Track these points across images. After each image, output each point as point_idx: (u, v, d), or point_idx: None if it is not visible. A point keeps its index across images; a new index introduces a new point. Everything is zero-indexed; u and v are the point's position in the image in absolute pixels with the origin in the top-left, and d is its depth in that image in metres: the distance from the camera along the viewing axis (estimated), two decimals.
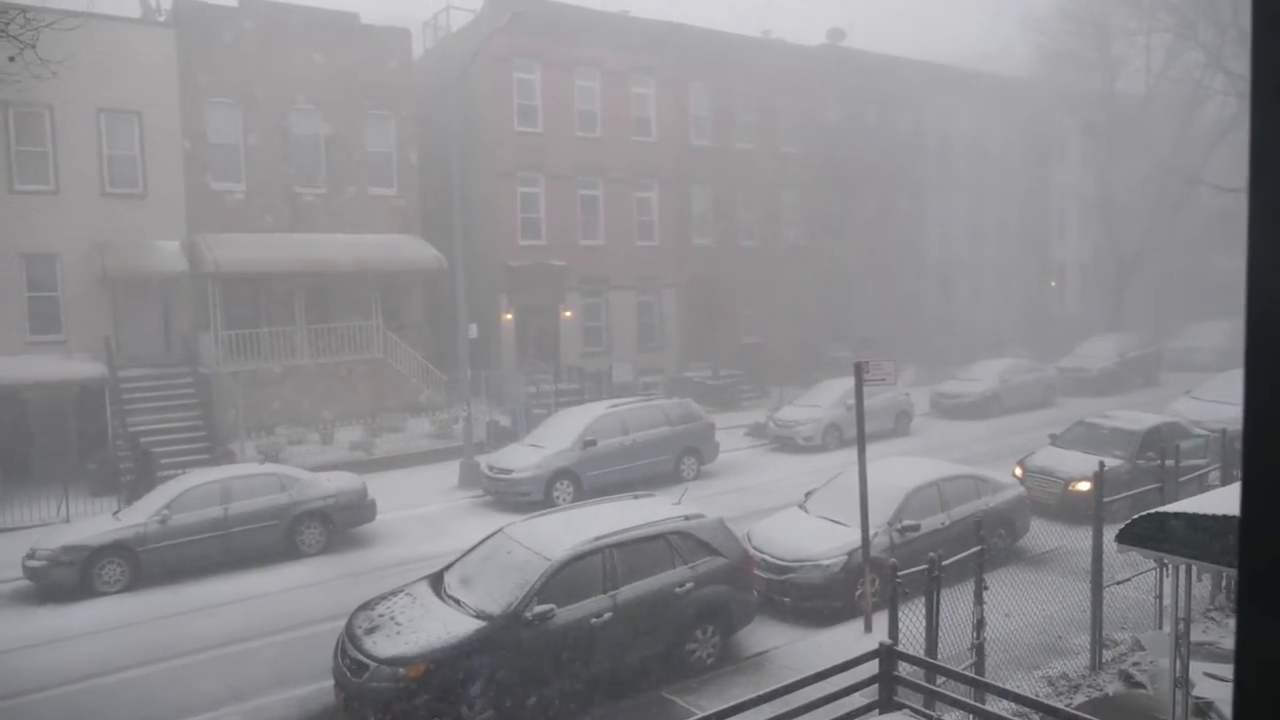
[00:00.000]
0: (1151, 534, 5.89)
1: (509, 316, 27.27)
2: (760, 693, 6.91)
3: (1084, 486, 14.74)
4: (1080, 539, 10.97)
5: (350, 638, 9.10)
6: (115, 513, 14.90)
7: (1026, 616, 10.43)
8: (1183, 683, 6.95)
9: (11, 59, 9.35)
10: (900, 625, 7.91)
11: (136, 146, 22.33)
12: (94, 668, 10.91)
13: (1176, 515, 5.74)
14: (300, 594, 13.40)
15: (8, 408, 19.39)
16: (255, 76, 23.63)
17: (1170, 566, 7.18)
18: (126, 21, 22.60)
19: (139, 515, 14.17)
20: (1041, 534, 13.53)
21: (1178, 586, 6.88)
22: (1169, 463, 11.78)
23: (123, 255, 21.43)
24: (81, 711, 9.91)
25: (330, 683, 9.36)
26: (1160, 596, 9.53)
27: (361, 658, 8.68)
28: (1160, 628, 9.36)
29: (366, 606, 9.79)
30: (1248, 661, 0.98)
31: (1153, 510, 6.08)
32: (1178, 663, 6.92)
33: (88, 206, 21.66)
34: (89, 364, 20.53)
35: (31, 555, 13.50)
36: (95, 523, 14.47)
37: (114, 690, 10.34)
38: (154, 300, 22.86)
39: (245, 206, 23.70)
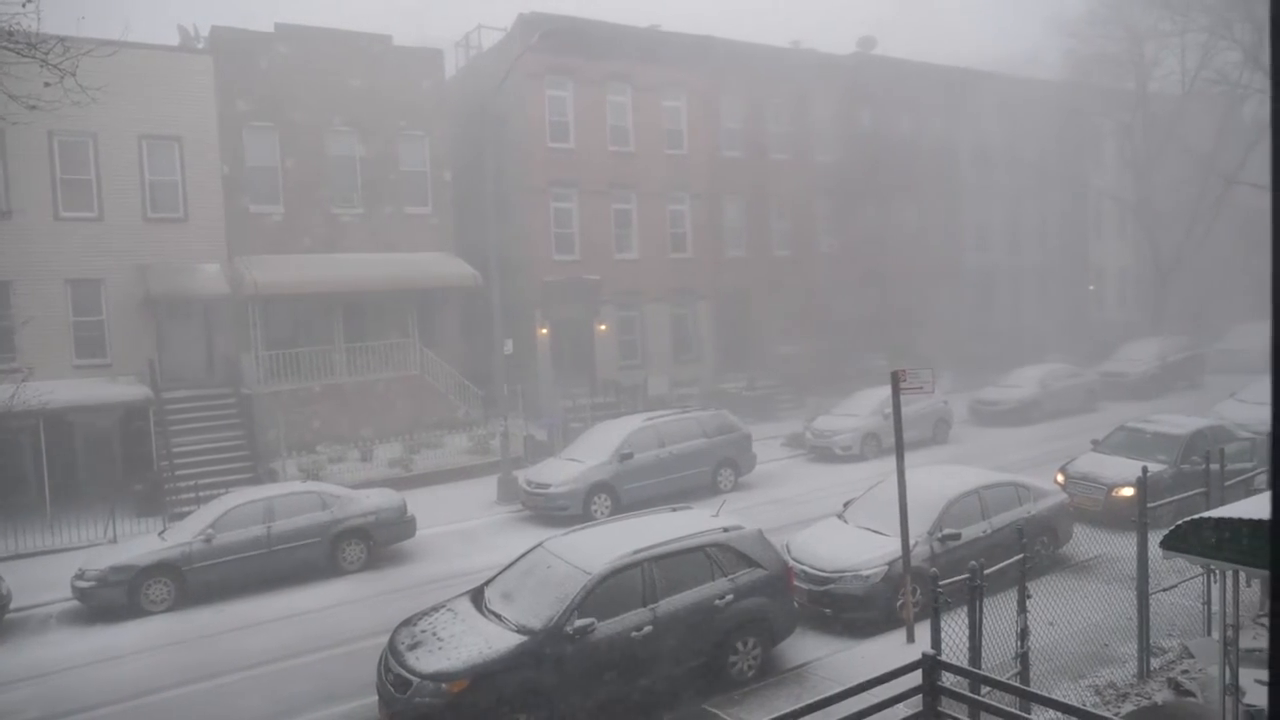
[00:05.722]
0: (1196, 539, 5.81)
1: (544, 331, 27.43)
2: (802, 705, 6.88)
3: (1127, 492, 14.52)
4: (1124, 545, 10.80)
5: (393, 653, 9.19)
6: (161, 533, 15.18)
7: (1071, 625, 10.28)
8: (1233, 690, 6.82)
9: (48, 84, 9.66)
10: (943, 635, 7.83)
11: (177, 172, 22.83)
12: (143, 686, 11.11)
13: (1221, 520, 5.66)
14: (343, 610, 13.55)
15: (56, 431, 19.84)
16: (292, 100, 24.09)
17: (1218, 572, 7.05)
18: (165, 50, 23.16)
19: (184, 535, 14.42)
20: (1085, 541, 13.36)
21: (1225, 592, 6.76)
22: (1214, 467, 11.56)
23: (165, 279, 21.90)
24: None
25: (374, 698, 9.46)
26: (1208, 603, 9.34)
27: (405, 673, 8.76)
28: (1209, 634, 9.18)
29: (409, 622, 9.89)
30: None
31: (1197, 516, 6.00)
32: (1227, 670, 6.79)
33: (130, 232, 22.18)
34: (134, 386, 20.97)
35: (80, 576, 13.78)
36: (141, 543, 14.73)
37: (163, 708, 10.52)
38: (196, 322, 23.33)
39: (283, 228, 24.12)
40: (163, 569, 13.92)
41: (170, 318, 22.83)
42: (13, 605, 13.63)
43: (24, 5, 9.30)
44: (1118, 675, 9.60)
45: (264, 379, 22.55)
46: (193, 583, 14.08)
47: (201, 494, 18.54)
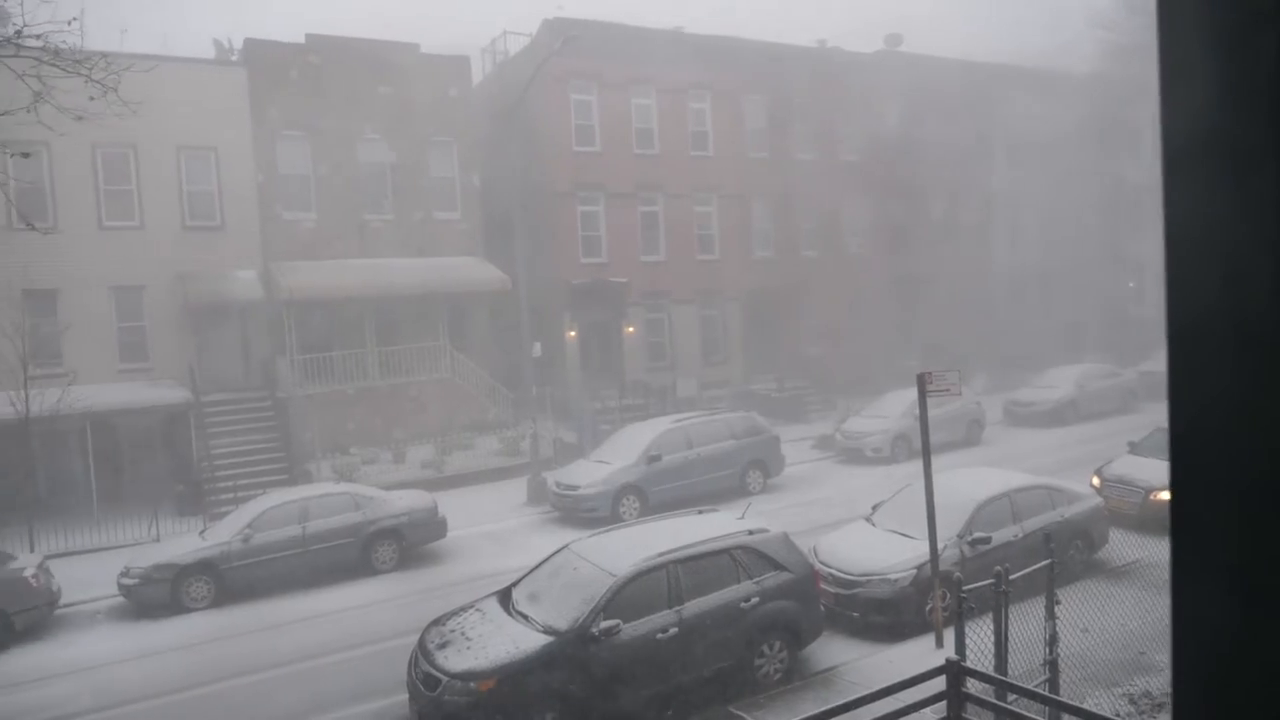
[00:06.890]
0: None
1: (573, 334, 27.57)
2: (827, 708, 6.89)
3: (1165, 496, 14.31)
4: (1163, 550, 10.61)
5: (423, 652, 9.33)
6: (201, 532, 15.52)
7: (1106, 632, 10.13)
8: None
9: (93, 99, 9.99)
10: (973, 641, 7.80)
11: (213, 181, 23.29)
12: (184, 681, 11.37)
13: None
14: (375, 610, 13.74)
15: (101, 433, 20.31)
16: (323, 109, 24.45)
17: None
18: (201, 63, 23.65)
19: (223, 534, 14.73)
20: (1121, 546, 13.15)
21: None
22: None
23: (203, 285, 22.35)
24: None
25: (405, 696, 9.60)
26: None
27: (434, 672, 8.89)
28: None
29: (438, 622, 10.02)
30: (1184, 644, 1.04)
31: None
32: None
33: (170, 240, 22.67)
34: (174, 390, 21.42)
35: (125, 573, 14.15)
36: (183, 542, 15.10)
37: (203, 702, 10.77)
38: (233, 327, 23.76)
39: (316, 234, 24.49)
40: (203, 567, 14.23)
41: (208, 323, 23.28)
42: (62, 601, 14.00)
43: (69, 24, 9.62)
44: (1154, 684, 9.44)
45: (299, 382, 22.91)
46: (231, 581, 14.37)
47: (240, 494, 18.90)
